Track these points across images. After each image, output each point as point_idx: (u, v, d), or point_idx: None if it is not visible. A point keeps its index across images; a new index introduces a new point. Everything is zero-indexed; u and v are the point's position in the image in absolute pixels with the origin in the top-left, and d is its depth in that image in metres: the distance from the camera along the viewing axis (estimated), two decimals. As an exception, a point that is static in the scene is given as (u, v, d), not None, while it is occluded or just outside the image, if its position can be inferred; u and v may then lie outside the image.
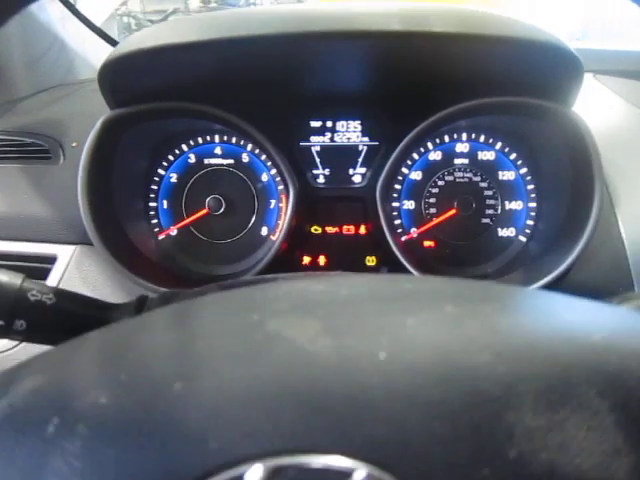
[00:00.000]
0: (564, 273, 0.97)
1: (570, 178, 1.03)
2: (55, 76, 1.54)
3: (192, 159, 1.21)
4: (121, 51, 0.79)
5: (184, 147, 1.20)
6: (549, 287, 0.97)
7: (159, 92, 0.97)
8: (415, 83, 1.02)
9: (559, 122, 0.98)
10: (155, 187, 1.21)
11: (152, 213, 1.21)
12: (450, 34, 0.80)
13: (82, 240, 1.06)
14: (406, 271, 1.07)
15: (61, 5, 1.39)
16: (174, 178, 1.21)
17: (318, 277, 0.66)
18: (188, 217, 1.21)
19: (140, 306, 0.80)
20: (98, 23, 1.36)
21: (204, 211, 1.18)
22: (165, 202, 1.21)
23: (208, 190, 1.19)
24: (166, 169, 1.21)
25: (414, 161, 1.19)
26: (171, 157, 1.20)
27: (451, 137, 1.18)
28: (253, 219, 1.20)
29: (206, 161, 1.20)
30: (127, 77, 0.87)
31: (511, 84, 0.97)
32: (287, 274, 0.77)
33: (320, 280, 0.54)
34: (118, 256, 1.01)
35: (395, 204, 1.19)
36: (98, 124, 0.97)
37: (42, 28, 1.45)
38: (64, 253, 1.07)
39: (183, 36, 0.77)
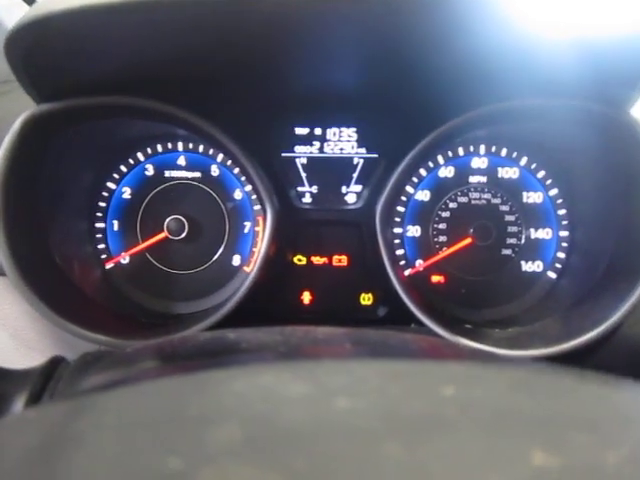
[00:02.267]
0: (615, 326, 0.75)
1: (620, 202, 0.82)
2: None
3: (150, 171, 0.99)
4: (31, 14, 0.56)
5: (140, 156, 0.99)
6: (597, 342, 0.76)
7: (98, 82, 0.75)
8: (425, 80, 0.81)
9: (611, 131, 0.77)
10: (103, 204, 0.99)
11: (99, 236, 0.99)
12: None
13: (1, 270, 0.82)
14: (409, 313, 0.85)
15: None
16: (127, 193, 0.99)
17: (302, 355, 0.44)
18: (143, 241, 0.99)
19: (48, 375, 0.58)
20: None
21: (162, 235, 0.96)
22: (116, 223, 1.00)
23: (168, 209, 0.98)
24: (117, 182, 0.99)
25: (421, 178, 0.98)
26: (124, 168, 0.99)
27: (466, 150, 0.97)
28: (223, 246, 0.99)
29: (167, 173, 0.99)
30: (48, 56, 0.65)
31: (548, 83, 0.76)
32: (250, 331, 0.54)
33: (300, 369, 0.33)
34: (43, 293, 0.78)
35: (397, 230, 0.98)
36: (17, 123, 0.75)
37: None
38: (-22, 286, 0.84)
39: None
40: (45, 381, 0.56)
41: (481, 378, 0.33)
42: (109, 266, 0.99)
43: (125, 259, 1.00)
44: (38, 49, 0.62)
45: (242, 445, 0.27)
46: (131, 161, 0.99)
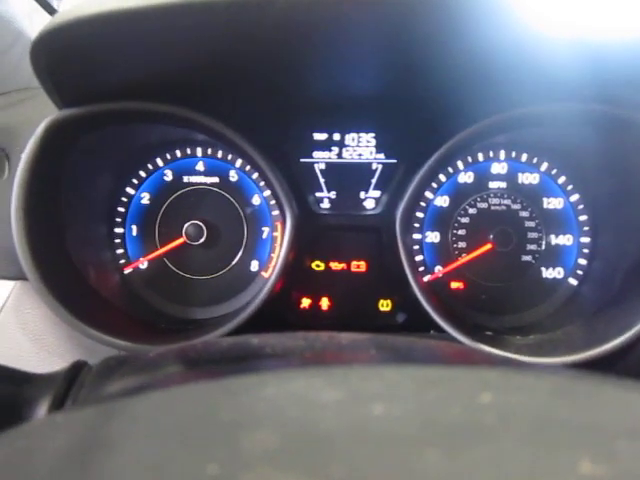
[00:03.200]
0: (641, 333, 0.74)
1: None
2: (19, 78, 1.33)
3: (168, 176, 0.99)
4: (57, 21, 0.57)
5: (159, 162, 0.99)
6: (622, 349, 0.74)
7: (120, 88, 0.76)
8: (444, 86, 0.80)
9: (632, 135, 0.77)
10: (122, 209, 0.99)
11: (117, 241, 0.99)
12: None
13: (23, 275, 0.83)
14: (429, 319, 0.84)
15: (26, -4, 1.19)
16: (146, 199, 0.99)
17: (337, 361, 0.44)
18: (162, 247, 0.99)
19: (71, 380, 0.58)
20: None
21: (181, 240, 0.96)
22: (134, 228, 1.00)
23: (187, 214, 0.98)
24: (136, 188, 0.99)
25: (440, 184, 0.97)
26: (143, 173, 0.99)
27: (486, 155, 0.96)
28: (241, 251, 0.99)
29: (185, 179, 0.99)
30: (72, 63, 0.65)
31: (567, 88, 0.75)
32: (273, 336, 0.54)
33: (331, 375, 0.33)
34: (63, 297, 0.78)
35: (416, 236, 0.97)
36: (40, 128, 0.76)
37: (3, 22, 1.24)
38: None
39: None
40: (68, 386, 0.56)
41: (518, 385, 0.32)
42: (127, 271, 0.99)
43: (143, 264, 1.00)
44: (63, 56, 0.63)
45: (279, 451, 0.26)
46: (150, 167, 0.99)
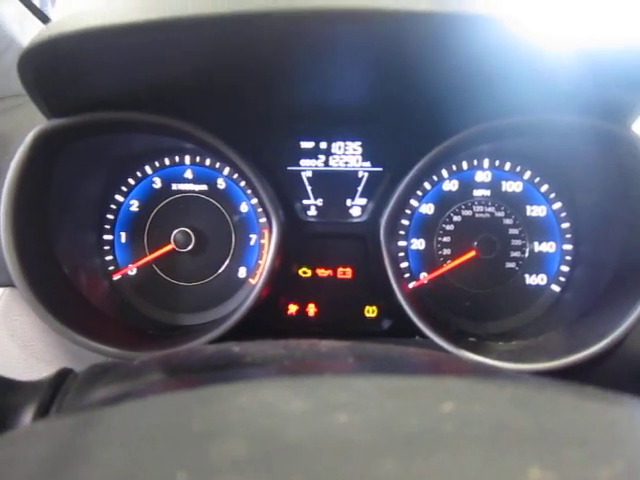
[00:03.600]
0: (620, 339, 0.75)
1: (623, 216, 0.83)
2: (11, 84, 1.33)
3: (157, 184, 1.00)
4: (44, 35, 0.58)
5: (147, 169, 1.00)
6: (601, 356, 0.76)
7: (107, 99, 0.77)
8: (431, 95, 0.82)
9: (613, 146, 0.78)
10: (111, 217, 1.00)
11: (107, 248, 1.00)
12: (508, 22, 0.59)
13: (11, 281, 0.83)
14: (413, 325, 0.85)
15: (18, 3, 1.21)
16: (135, 206, 1.00)
17: (306, 368, 0.45)
18: (151, 253, 0.99)
19: (56, 387, 0.59)
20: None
21: (169, 247, 0.97)
22: (123, 235, 1.01)
23: (175, 222, 0.99)
24: (125, 195, 1.00)
25: (425, 192, 0.99)
26: (132, 181, 1.00)
27: (470, 164, 0.98)
28: (229, 258, 1.00)
29: (174, 186, 1.00)
30: (60, 75, 0.66)
31: (551, 99, 0.77)
32: (254, 344, 0.55)
33: (301, 385, 0.34)
34: (51, 305, 0.79)
35: (401, 243, 0.99)
36: (29, 138, 0.77)
37: (-6, 29, 1.25)
38: (-13, 297, 0.85)
39: (126, 14, 0.56)
40: (53, 393, 0.57)
41: (480, 394, 0.34)
42: (116, 278, 1.00)
43: (132, 271, 1.01)
44: (51, 68, 0.64)
45: (245, 460, 0.27)
46: (139, 174, 1.00)
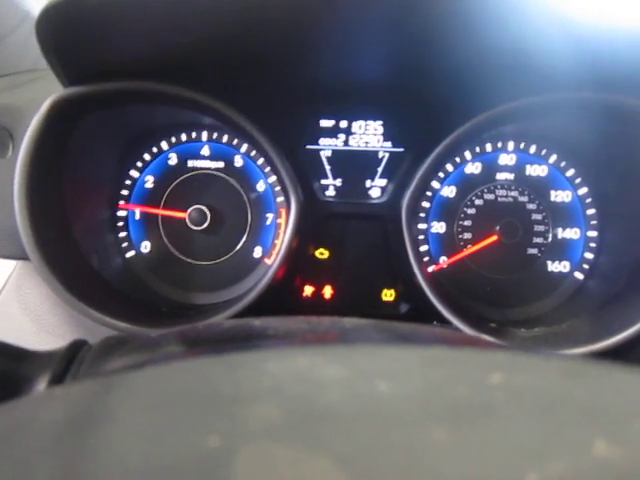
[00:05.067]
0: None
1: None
2: (25, 59, 1.32)
3: (173, 160, 0.98)
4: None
5: (164, 145, 0.98)
6: (628, 344, 0.73)
7: (126, 67, 0.75)
8: (453, 74, 0.79)
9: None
10: (126, 192, 0.98)
11: (120, 224, 0.98)
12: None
13: (24, 254, 0.82)
14: (433, 310, 0.83)
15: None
16: (150, 182, 0.99)
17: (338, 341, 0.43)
18: (165, 231, 0.98)
19: (71, 357, 0.57)
20: None
21: (182, 215, 0.95)
22: (138, 211, 0.98)
23: (191, 199, 0.96)
24: (141, 171, 0.99)
25: (447, 174, 0.96)
26: (147, 156, 0.98)
27: (494, 146, 0.95)
28: (244, 237, 0.98)
29: (190, 163, 0.98)
30: (78, 38, 0.64)
31: (577, 78, 0.74)
32: (275, 319, 0.53)
33: (335, 353, 0.32)
34: (65, 278, 0.78)
35: (422, 226, 0.96)
36: (45, 106, 0.75)
37: (8, 3, 1.23)
38: (0, 269, 0.84)
39: None
40: (68, 363, 0.55)
41: (528, 366, 0.31)
42: (130, 255, 0.98)
43: (146, 248, 0.99)
44: (68, 30, 0.62)
45: (281, 426, 0.25)
46: (155, 150, 0.98)
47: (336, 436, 0.24)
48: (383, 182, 0.94)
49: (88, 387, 0.35)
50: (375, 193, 0.95)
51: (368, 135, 0.94)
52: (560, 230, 0.95)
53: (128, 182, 0.98)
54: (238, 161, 0.98)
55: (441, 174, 0.95)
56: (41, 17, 0.59)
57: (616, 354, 0.75)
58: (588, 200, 0.94)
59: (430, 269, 0.96)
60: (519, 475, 0.21)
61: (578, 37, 0.65)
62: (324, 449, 0.23)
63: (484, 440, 0.24)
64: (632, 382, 0.29)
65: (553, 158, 0.95)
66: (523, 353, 0.34)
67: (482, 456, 0.23)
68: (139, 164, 0.98)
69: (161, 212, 0.97)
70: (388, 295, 0.96)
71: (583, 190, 0.94)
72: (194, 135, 0.98)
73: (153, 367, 0.35)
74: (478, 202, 0.96)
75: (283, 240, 0.87)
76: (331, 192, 0.95)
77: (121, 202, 0.98)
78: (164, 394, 0.30)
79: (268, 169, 0.94)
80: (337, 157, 0.95)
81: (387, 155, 0.94)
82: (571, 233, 0.95)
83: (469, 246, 0.95)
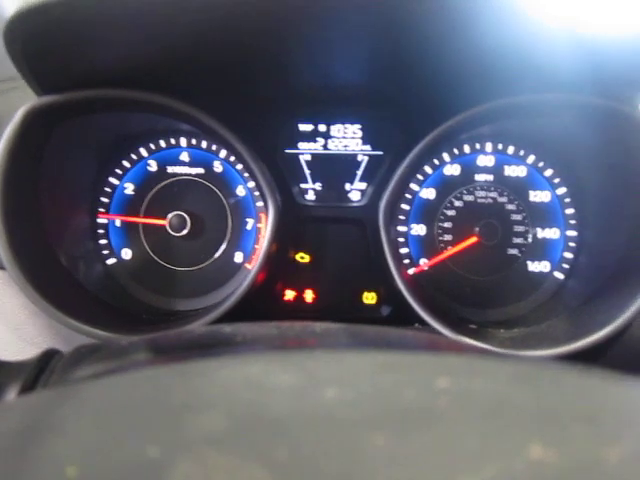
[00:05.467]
0: (624, 326, 0.73)
1: (629, 201, 0.80)
2: (4, 67, 1.31)
3: (152, 167, 0.98)
4: (29, 2, 0.56)
5: (143, 152, 0.98)
6: (604, 343, 0.74)
7: (100, 75, 0.75)
8: (431, 76, 0.79)
9: (619, 127, 0.75)
10: (106, 200, 0.98)
11: (101, 232, 0.98)
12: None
13: (1, 264, 0.81)
14: (413, 312, 0.83)
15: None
16: (130, 189, 0.98)
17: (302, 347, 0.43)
18: (147, 237, 0.97)
19: (42, 367, 0.57)
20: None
21: (165, 230, 0.95)
22: (118, 219, 0.98)
23: (171, 205, 0.96)
24: (120, 178, 0.98)
25: (426, 176, 0.96)
26: (126, 163, 0.98)
27: (472, 148, 0.95)
28: (225, 243, 0.98)
29: (170, 169, 0.98)
30: (47, 47, 0.64)
31: (555, 79, 0.75)
32: (246, 325, 0.53)
33: (290, 359, 0.32)
34: (42, 287, 0.77)
35: (401, 228, 0.96)
36: (18, 115, 0.75)
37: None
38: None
39: None
40: (39, 372, 0.55)
41: (479, 370, 0.32)
42: (111, 262, 0.98)
43: (127, 255, 0.99)
44: (37, 39, 0.62)
45: (224, 434, 0.25)
46: (134, 157, 0.98)
47: (277, 445, 0.24)
48: (363, 185, 0.95)
49: (41, 397, 0.35)
50: (355, 196, 0.95)
51: (347, 138, 0.94)
52: (540, 230, 0.95)
53: (108, 189, 0.98)
54: (217, 167, 0.97)
55: (420, 176, 0.96)
56: (8, 27, 0.59)
57: (594, 353, 0.75)
58: (567, 200, 0.95)
59: (411, 271, 0.96)
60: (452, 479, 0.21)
61: (554, 38, 0.65)
62: (262, 458, 0.23)
63: (423, 445, 0.24)
64: (579, 386, 0.30)
65: (531, 159, 0.95)
66: (475, 356, 0.34)
67: (418, 461, 0.23)
68: (118, 171, 0.98)
69: (141, 220, 0.97)
70: (369, 298, 0.96)
71: (562, 190, 0.95)
72: (173, 141, 0.97)
73: (108, 377, 0.35)
74: (458, 204, 0.96)
75: (262, 245, 0.87)
76: (311, 196, 0.95)
77: (101, 209, 0.98)
78: (114, 404, 0.30)
79: (247, 174, 0.94)
80: (316, 161, 0.95)
81: (366, 158, 0.94)
82: (551, 233, 0.95)
83: (449, 248, 0.95)
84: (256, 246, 0.97)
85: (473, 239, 0.94)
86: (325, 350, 0.36)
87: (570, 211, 0.94)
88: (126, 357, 0.51)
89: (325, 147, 0.94)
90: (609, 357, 0.77)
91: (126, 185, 0.98)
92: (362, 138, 0.94)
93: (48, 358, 0.58)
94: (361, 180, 0.95)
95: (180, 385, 0.31)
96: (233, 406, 0.28)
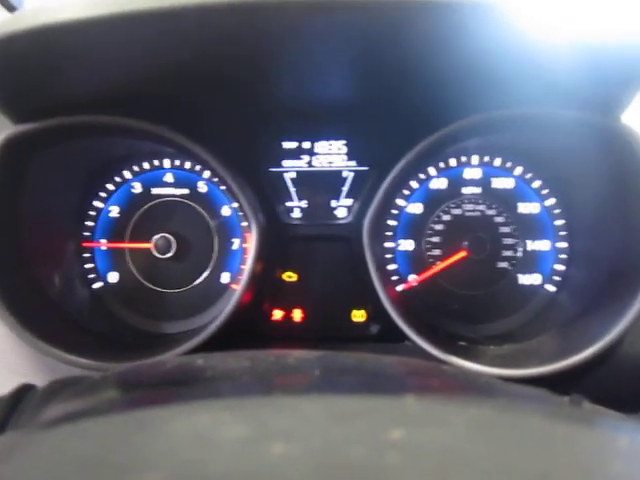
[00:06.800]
0: (615, 342, 0.72)
1: (618, 211, 0.79)
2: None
3: (137, 189, 0.97)
4: (2, 31, 0.55)
5: (127, 174, 0.97)
6: (594, 360, 0.72)
7: (77, 101, 0.74)
8: (416, 90, 0.78)
9: (606, 139, 0.74)
10: (91, 223, 0.97)
11: (87, 256, 0.97)
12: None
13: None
14: (401, 330, 0.82)
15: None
16: (115, 212, 0.98)
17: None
18: (133, 260, 0.97)
19: (14, 404, 0.56)
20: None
21: (151, 252, 0.94)
22: (104, 242, 0.97)
23: (156, 227, 0.95)
24: (105, 201, 0.98)
25: (412, 190, 0.95)
26: (110, 186, 0.97)
27: (459, 161, 0.94)
28: (212, 264, 0.97)
29: (154, 191, 0.97)
30: (20, 75, 0.63)
31: (540, 91, 0.73)
32: (220, 356, 0.52)
33: (243, 408, 0.31)
34: (24, 316, 0.77)
35: (389, 244, 0.95)
36: (-6, 144, 0.74)
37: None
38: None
39: (88, 8, 0.53)
40: (11, 410, 0.55)
41: (438, 417, 0.30)
42: (97, 286, 0.97)
43: (113, 278, 0.98)
44: (8, 68, 0.61)
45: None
46: (118, 179, 0.97)
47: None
48: (349, 202, 0.93)
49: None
50: (341, 213, 0.94)
51: (332, 155, 0.93)
52: (530, 242, 0.94)
53: (92, 213, 0.97)
54: (202, 187, 0.97)
55: (406, 191, 0.94)
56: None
57: (582, 371, 0.73)
58: (556, 211, 0.93)
59: (399, 288, 0.94)
60: None
61: (541, 51, 0.64)
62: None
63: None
64: (540, 435, 0.28)
65: (519, 170, 0.94)
66: (440, 398, 0.33)
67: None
68: (102, 194, 0.97)
69: (127, 245, 0.96)
70: (358, 316, 0.94)
71: (551, 201, 0.93)
72: (157, 163, 0.97)
73: (59, 427, 0.34)
74: (445, 218, 0.95)
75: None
76: (297, 214, 0.94)
77: (86, 233, 0.97)
78: (57, 460, 0.29)
79: (231, 194, 0.93)
80: (301, 178, 0.94)
81: (352, 174, 0.93)
82: (541, 245, 0.94)
83: (438, 263, 0.94)
84: (242, 266, 0.96)
85: (462, 253, 0.92)
86: (283, 394, 0.35)
87: (560, 222, 0.93)
88: (94, 395, 0.50)
89: (310, 164, 0.93)
90: (598, 375, 0.75)
91: (111, 208, 0.97)
92: (347, 154, 0.93)
93: (21, 395, 0.57)
94: (347, 196, 0.93)
95: (125, 440, 0.30)
96: (174, 466, 0.27)
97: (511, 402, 0.34)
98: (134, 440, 0.30)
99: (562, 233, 0.93)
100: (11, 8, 1.01)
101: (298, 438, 0.28)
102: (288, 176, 0.94)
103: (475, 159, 0.94)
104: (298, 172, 0.94)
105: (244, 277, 0.85)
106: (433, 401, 0.33)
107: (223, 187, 0.94)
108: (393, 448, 0.27)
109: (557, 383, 0.71)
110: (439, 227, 0.95)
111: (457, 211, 0.94)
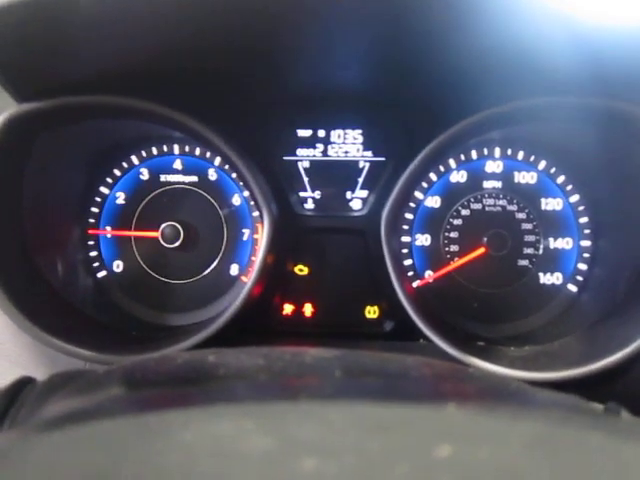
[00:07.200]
0: (645, 346, 0.68)
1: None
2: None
3: (144, 175, 0.94)
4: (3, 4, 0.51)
5: (134, 160, 0.94)
6: (624, 364, 0.68)
7: (85, 80, 0.70)
8: (436, 79, 0.75)
9: (634, 132, 0.70)
10: (96, 210, 0.94)
11: (91, 243, 0.93)
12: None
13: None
14: (417, 328, 0.79)
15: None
16: (121, 199, 0.94)
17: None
18: (139, 249, 0.93)
19: (12, 398, 0.53)
20: None
21: (158, 241, 0.91)
22: (109, 229, 0.94)
23: (164, 215, 0.92)
24: (111, 187, 0.94)
25: (431, 183, 0.92)
26: (117, 172, 0.94)
27: (480, 153, 0.91)
28: (220, 254, 0.94)
29: (162, 178, 0.94)
30: (23, 51, 0.60)
31: (564, 82, 0.70)
32: (232, 353, 0.48)
33: (267, 415, 0.28)
34: (25, 306, 0.74)
35: (405, 239, 0.92)
36: (-3, 123, 0.70)
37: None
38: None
39: None
40: (9, 404, 0.51)
41: (487, 432, 0.27)
42: (101, 275, 0.94)
43: (118, 267, 0.95)
44: (13, 41, 0.58)
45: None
46: (125, 165, 0.94)
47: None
48: (364, 193, 0.90)
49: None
50: (356, 205, 0.90)
51: (347, 144, 0.90)
52: (552, 240, 0.90)
53: (98, 199, 0.94)
54: (212, 175, 0.93)
55: (424, 184, 0.91)
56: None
57: (611, 375, 0.70)
58: (580, 208, 0.90)
59: (415, 284, 0.91)
60: None
61: (562, 43, 0.61)
62: None
63: None
64: (601, 453, 0.25)
65: (542, 164, 0.90)
66: (483, 409, 0.29)
67: None
68: (109, 180, 0.94)
69: (133, 234, 0.93)
70: (372, 312, 0.91)
71: (575, 197, 0.89)
72: (165, 148, 0.93)
73: (62, 431, 0.31)
74: (464, 212, 0.91)
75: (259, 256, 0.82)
76: (310, 205, 0.90)
77: (91, 220, 0.93)
78: (58, 472, 0.26)
79: (242, 182, 0.90)
80: (316, 168, 0.90)
81: (368, 165, 0.90)
82: (563, 243, 0.90)
83: (456, 259, 0.91)
84: (253, 258, 0.92)
85: (481, 250, 0.89)
86: (309, 399, 0.32)
87: (584, 220, 0.89)
88: (98, 392, 0.46)
89: (325, 153, 0.90)
90: (629, 380, 0.71)
91: (117, 194, 0.94)
92: (363, 144, 0.89)
93: (19, 389, 0.54)
94: (362, 188, 0.90)
95: (134, 448, 0.26)
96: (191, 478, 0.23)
97: (559, 415, 0.31)
98: (144, 448, 0.26)
99: (586, 231, 0.90)
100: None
101: (331, 452, 0.25)
102: (302, 165, 0.90)
103: (497, 152, 0.90)
104: (312, 161, 0.90)
105: (254, 269, 0.82)
106: (475, 412, 0.30)
107: (234, 175, 0.91)
108: (443, 468, 0.23)
109: (581, 388, 0.68)
110: (458, 222, 0.91)
111: (477, 206, 0.91)
